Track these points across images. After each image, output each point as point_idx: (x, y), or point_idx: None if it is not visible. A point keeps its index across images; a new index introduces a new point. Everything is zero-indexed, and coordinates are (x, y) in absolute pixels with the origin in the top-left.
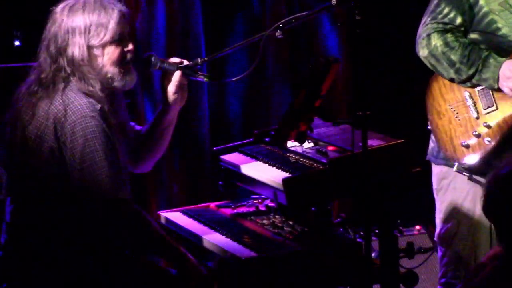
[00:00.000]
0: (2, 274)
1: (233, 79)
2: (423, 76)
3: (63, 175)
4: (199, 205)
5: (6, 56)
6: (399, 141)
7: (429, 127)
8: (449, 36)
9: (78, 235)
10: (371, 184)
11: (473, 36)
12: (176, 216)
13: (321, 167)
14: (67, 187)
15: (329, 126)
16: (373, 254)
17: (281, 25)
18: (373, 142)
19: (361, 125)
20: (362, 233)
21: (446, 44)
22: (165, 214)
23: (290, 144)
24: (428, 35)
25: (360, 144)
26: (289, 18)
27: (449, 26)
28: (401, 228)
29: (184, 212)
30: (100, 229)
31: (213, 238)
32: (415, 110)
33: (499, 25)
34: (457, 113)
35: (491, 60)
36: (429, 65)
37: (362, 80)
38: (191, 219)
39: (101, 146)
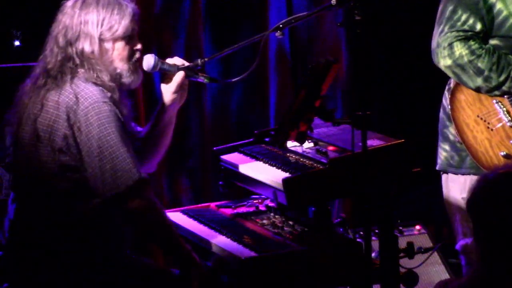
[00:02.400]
0: (3, 274)
1: (233, 80)
2: (423, 76)
3: (75, 165)
4: (199, 205)
5: (6, 56)
6: (399, 141)
7: (457, 139)
8: (472, 44)
9: (83, 233)
10: (371, 184)
11: (493, 42)
12: (176, 216)
13: (321, 167)
14: (79, 178)
15: (329, 126)
16: (373, 254)
17: (281, 25)
18: (373, 142)
19: (361, 125)
20: (362, 233)
21: (472, 52)
22: None
23: (290, 144)
24: (450, 44)
25: (360, 144)
26: (289, 18)
27: (470, 33)
28: (401, 228)
29: (184, 212)
30: (117, 216)
31: (213, 238)
32: (414, 110)
33: None
34: (488, 123)
35: None
36: (451, 74)
37: (362, 80)
38: (191, 219)
39: (117, 129)
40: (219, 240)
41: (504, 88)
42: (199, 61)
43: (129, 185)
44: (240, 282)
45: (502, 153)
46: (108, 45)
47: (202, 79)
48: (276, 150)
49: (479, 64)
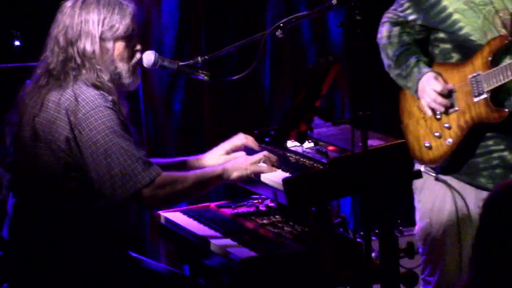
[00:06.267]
0: (3, 273)
1: (233, 78)
2: None
3: (79, 166)
4: (199, 205)
5: (6, 56)
6: (399, 141)
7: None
8: (395, 29)
9: (84, 233)
10: (371, 184)
11: (441, 35)
12: (176, 216)
13: (321, 167)
14: (84, 178)
15: (329, 126)
16: (373, 254)
17: (281, 25)
18: (373, 142)
19: (361, 125)
20: (362, 233)
21: (389, 36)
22: (165, 214)
23: (290, 144)
24: (383, 23)
25: (360, 144)
26: (289, 18)
27: (401, 19)
28: (401, 228)
29: (184, 212)
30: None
31: (213, 238)
32: None
33: (462, 24)
34: (423, 114)
35: (415, 70)
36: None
37: (362, 80)
38: (191, 219)
39: (121, 133)
40: (219, 240)
41: (398, 82)
42: (199, 58)
43: (138, 188)
44: (240, 282)
45: (426, 143)
46: (109, 44)
47: (202, 76)
48: (276, 150)
49: (388, 50)
